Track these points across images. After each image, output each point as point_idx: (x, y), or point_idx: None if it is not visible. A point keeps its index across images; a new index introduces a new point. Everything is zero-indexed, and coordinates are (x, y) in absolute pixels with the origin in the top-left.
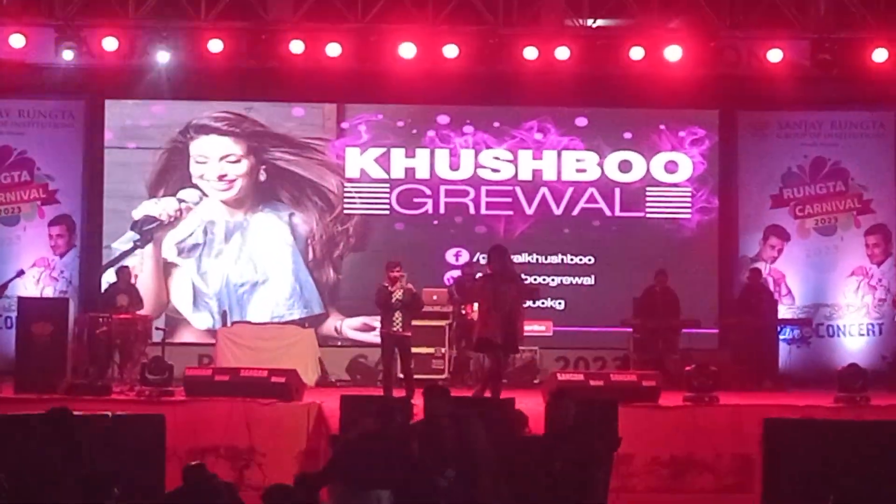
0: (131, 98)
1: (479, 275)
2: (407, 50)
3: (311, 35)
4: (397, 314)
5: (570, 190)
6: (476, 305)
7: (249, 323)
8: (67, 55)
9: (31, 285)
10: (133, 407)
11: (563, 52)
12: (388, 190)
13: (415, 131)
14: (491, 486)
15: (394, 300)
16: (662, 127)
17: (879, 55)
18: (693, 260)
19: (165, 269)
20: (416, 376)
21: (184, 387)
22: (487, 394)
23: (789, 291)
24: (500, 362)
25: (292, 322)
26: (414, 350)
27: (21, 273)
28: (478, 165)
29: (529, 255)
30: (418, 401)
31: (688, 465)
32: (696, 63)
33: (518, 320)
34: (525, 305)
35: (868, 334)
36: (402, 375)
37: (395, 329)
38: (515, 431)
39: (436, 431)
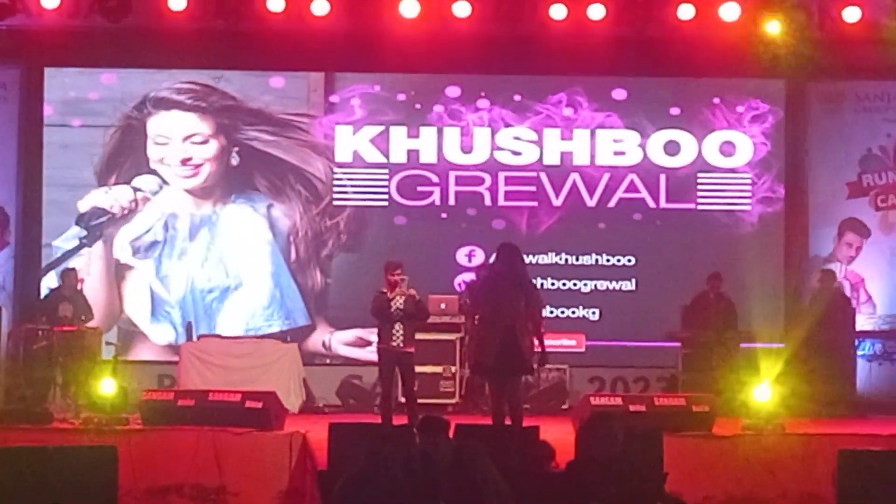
0: (76, 65)
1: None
2: (409, 7)
3: None
4: (398, 326)
5: (606, 177)
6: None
7: (219, 337)
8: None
9: None
10: (79, 437)
11: (596, 11)
12: (386, 177)
13: (419, 106)
14: None
15: (393, 309)
16: (717, 101)
17: None
18: (754, 261)
19: (118, 273)
20: (420, 400)
21: (140, 414)
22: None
23: (869, 298)
24: (502, 389)
25: (271, 336)
26: (418, 369)
27: None
28: (495, 147)
29: (557, 254)
30: None
31: None
32: (757, 24)
33: (523, 337)
34: (543, 316)
35: None
36: (403, 399)
37: (394, 344)
38: (540, 466)
39: (431, 472)
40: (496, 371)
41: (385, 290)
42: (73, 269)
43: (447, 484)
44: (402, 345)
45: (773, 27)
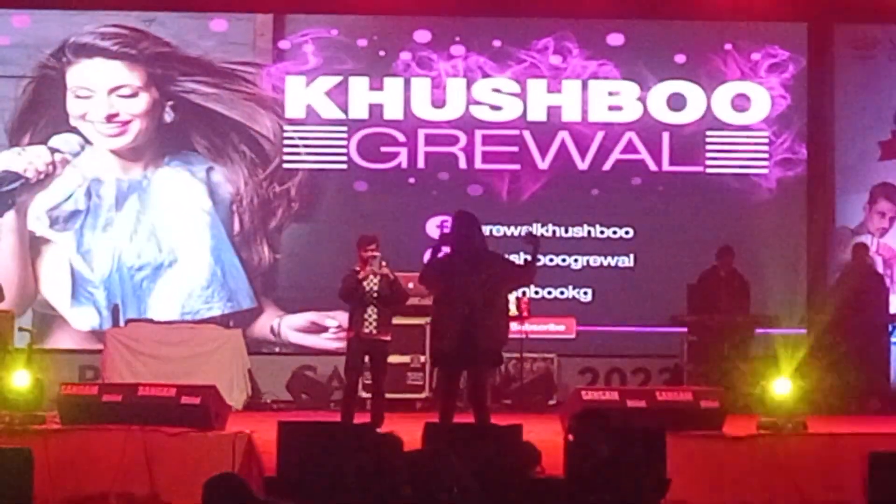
0: None
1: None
2: None
3: None
4: (370, 310)
5: (601, 135)
6: None
7: (151, 321)
8: None
9: None
10: None
11: None
12: (345, 135)
13: (383, 53)
14: None
15: (366, 289)
16: (729, 47)
17: None
18: (771, 232)
19: (33, 247)
20: (386, 395)
21: (58, 411)
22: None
23: None
24: (453, 381)
25: (211, 320)
26: None
27: None
28: (471, 101)
29: (543, 226)
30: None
31: None
32: None
33: (486, 321)
34: (519, 297)
35: None
36: (368, 394)
37: (366, 331)
38: (522, 472)
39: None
40: (454, 360)
41: (357, 269)
42: None
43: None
44: (374, 332)
45: None
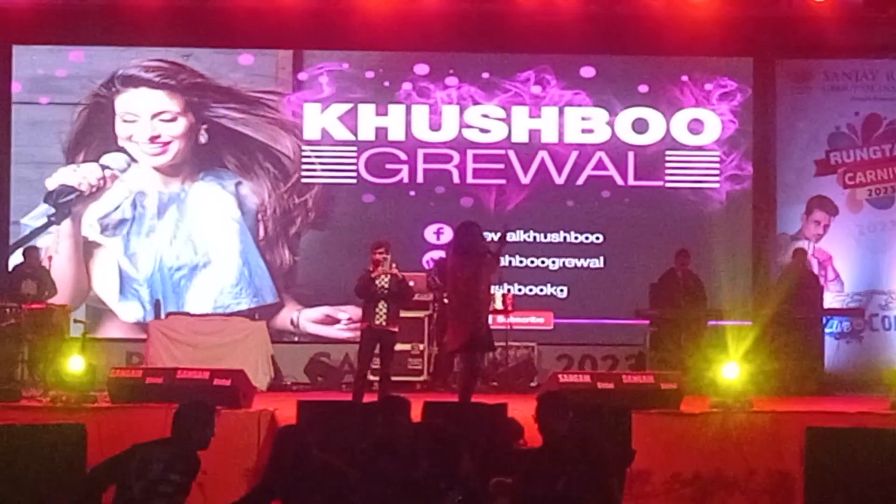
0: (44, 43)
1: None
2: None
3: None
4: (381, 304)
5: (575, 154)
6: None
7: (188, 314)
8: None
9: None
10: (47, 415)
11: None
12: (354, 154)
13: (387, 84)
14: None
15: (378, 287)
16: (685, 78)
17: None
18: (722, 238)
19: (86, 250)
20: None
21: (108, 391)
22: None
23: (837, 276)
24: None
25: (239, 313)
26: None
27: None
28: (463, 125)
29: (525, 232)
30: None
31: (715, 484)
32: (725, 1)
33: (469, 309)
34: (504, 293)
35: None
36: (376, 378)
37: (378, 322)
38: (507, 444)
39: (388, 457)
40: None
41: (370, 269)
42: (36, 247)
43: (414, 468)
44: (384, 323)
45: None
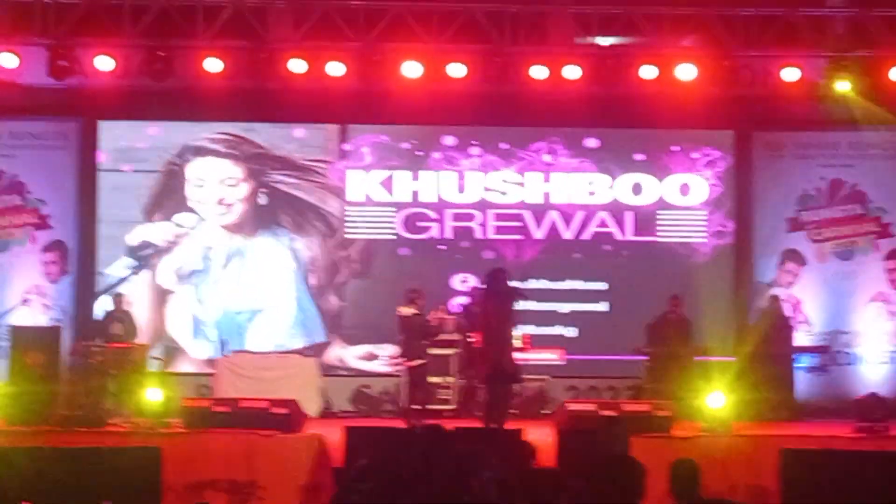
0: (126, 119)
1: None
2: (411, 69)
3: (313, 54)
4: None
5: (581, 213)
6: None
7: (250, 352)
8: (60, 75)
9: (25, 313)
10: (128, 439)
11: (572, 71)
12: (392, 213)
13: (420, 153)
14: None
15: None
16: (675, 148)
17: None
18: (707, 286)
19: (162, 297)
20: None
21: (181, 418)
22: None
23: (806, 318)
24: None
25: (294, 351)
26: None
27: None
28: (485, 188)
29: (538, 280)
30: None
31: None
32: (709, 82)
33: (497, 346)
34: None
35: (889, 362)
36: (416, 406)
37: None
38: (523, 464)
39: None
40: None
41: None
42: (122, 294)
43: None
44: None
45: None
